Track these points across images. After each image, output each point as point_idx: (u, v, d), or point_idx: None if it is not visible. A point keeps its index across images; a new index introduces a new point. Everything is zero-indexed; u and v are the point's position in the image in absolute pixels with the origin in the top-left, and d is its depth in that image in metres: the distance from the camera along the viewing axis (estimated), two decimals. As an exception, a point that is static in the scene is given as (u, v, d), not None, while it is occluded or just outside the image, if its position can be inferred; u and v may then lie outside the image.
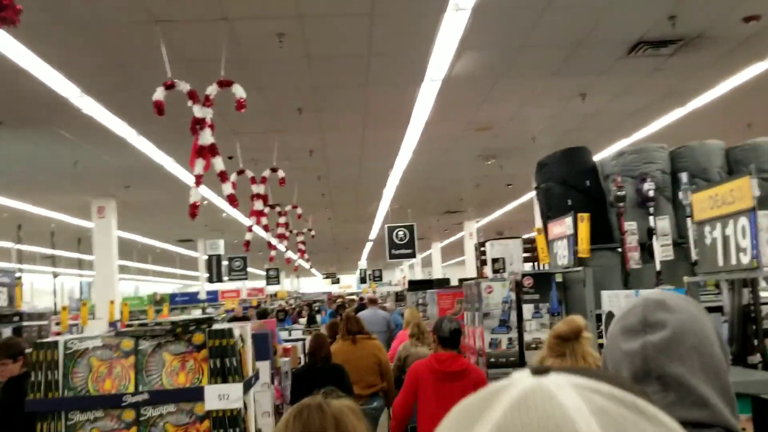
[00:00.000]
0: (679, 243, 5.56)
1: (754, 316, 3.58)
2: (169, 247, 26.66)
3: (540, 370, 0.50)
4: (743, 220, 3.23)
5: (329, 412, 1.75)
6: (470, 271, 22.78)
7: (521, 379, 0.50)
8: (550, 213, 6.13)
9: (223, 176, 5.25)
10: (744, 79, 8.18)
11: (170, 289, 35.62)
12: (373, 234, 24.35)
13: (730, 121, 9.31)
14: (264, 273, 30.52)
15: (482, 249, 11.20)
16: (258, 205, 9.15)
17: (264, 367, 5.20)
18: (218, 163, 5.23)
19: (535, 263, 8.80)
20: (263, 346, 5.23)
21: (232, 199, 5.36)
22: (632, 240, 5.63)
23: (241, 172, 9.09)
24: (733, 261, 3.31)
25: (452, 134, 10.52)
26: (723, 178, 5.72)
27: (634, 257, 5.61)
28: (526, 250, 9.15)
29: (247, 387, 2.94)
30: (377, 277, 40.27)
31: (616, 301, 3.62)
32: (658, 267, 5.52)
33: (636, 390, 0.52)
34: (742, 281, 3.62)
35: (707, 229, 3.58)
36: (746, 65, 7.72)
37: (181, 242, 25.70)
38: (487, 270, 10.42)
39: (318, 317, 18.48)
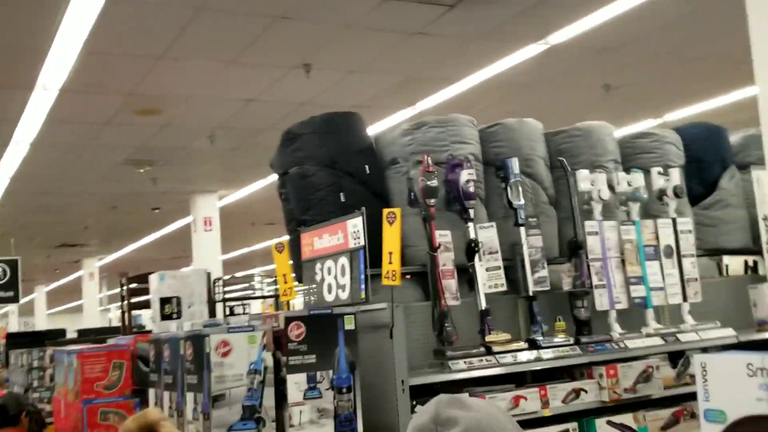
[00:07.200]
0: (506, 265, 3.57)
1: None
2: None
3: None
4: None
5: None
6: (90, 320, 18.62)
7: None
8: (309, 214, 3.65)
9: None
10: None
11: None
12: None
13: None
14: None
15: (129, 287, 8.13)
16: None
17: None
18: None
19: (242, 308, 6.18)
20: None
21: None
22: (447, 260, 3.45)
23: None
24: None
25: (99, 116, 7.14)
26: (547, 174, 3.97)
27: (452, 289, 3.42)
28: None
29: None
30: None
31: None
32: (483, 304, 3.43)
33: None
34: None
35: None
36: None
37: None
38: (145, 317, 7.43)
39: None
